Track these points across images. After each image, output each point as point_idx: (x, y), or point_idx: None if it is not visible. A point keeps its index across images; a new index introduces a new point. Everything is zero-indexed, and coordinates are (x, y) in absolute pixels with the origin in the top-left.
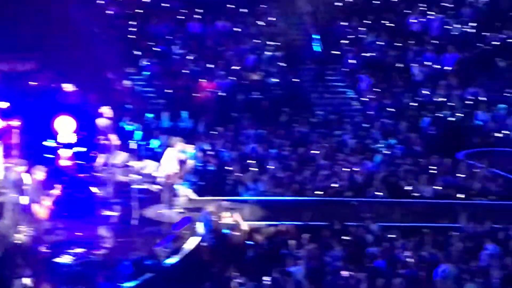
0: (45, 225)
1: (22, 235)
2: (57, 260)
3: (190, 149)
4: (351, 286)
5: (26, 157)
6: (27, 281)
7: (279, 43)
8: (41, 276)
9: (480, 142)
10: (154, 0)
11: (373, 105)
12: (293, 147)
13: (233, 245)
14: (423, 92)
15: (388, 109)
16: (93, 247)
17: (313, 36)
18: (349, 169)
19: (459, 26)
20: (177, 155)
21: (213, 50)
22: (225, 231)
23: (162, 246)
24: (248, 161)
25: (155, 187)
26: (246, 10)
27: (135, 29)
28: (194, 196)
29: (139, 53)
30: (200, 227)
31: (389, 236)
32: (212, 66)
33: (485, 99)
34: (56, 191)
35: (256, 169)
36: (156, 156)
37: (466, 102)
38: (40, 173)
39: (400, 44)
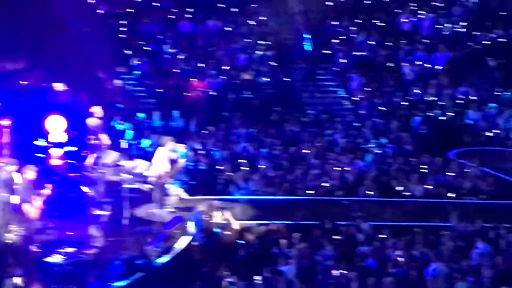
0: (36, 224)
1: (13, 234)
2: (48, 259)
3: (181, 148)
4: (342, 285)
5: (17, 156)
6: (18, 280)
7: (270, 43)
8: (32, 276)
9: (471, 141)
10: None
11: (364, 104)
12: (284, 147)
13: (224, 245)
14: (414, 91)
15: (379, 108)
16: (84, 246)
17: (304, 35)
18: (340, 169)
19: (449, 25)
20: (168, 154)
21: (204, 49)
22: (216, 230)
23: (153, 246)
24: (239, 160)
25: (146, 187)
26: (237, 10)
27: (126, 28)
28: (185, 195)
29: (130, 52)
30: (191, 227)
31: (380, 235)
32: (203, 65)
33: (475, 98)
34: (47, 190)
35: (247, 168)
36: (147, 156)
37: (457, 101)
38: (31, 173)
39: (391, 44)
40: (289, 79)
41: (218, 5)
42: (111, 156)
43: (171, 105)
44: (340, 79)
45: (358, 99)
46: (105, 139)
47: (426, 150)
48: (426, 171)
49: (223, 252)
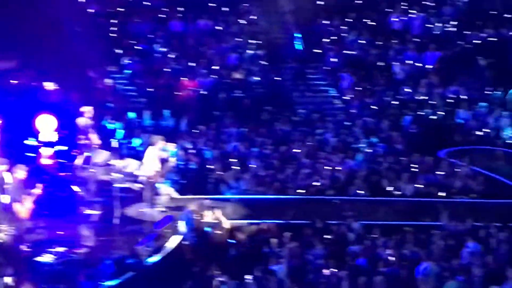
0: (27, 224)
1: (3, 234)
2: (39, 259)
3: (172, 147)
4: (333, 284)
5: (7, 155)
6: (8, 280)
7: (261, 42)
8: (22, 275)
9: (461, 141)
10: None
11: (354, 103)
12: (275, 146)
13: (215, 244)
14: (405, 90)
15: (369, 107)
16: (75, 246)
17: (295, 34)
18: (331, 168)
19: (440, 24)
20: (159, 153)
21: (195, 48)
22: (207, 229)
23: (144, 245)
24: (230, 159)
25: (136, 186)
26: (227, 9)
27: (117, 28)
28: (175, 194)
29: (121, 51)
30: (182, 226)
31: (370, 234)
32: (194, 64)
33: (466, 97)
34: (38, 190)
35: (238, 168)
36: (138, 155)
37: (448, 100)
38: (21, 172)
39: (382, 43)
40: (280, 78)
41: (209, 4)
42: (101, 156)
43: (162, 104)
44: (331, 78)
45: (348, 98)
46: (95, 138)
47: (417, 149)
48: (417, 170)
49: (214, 252)
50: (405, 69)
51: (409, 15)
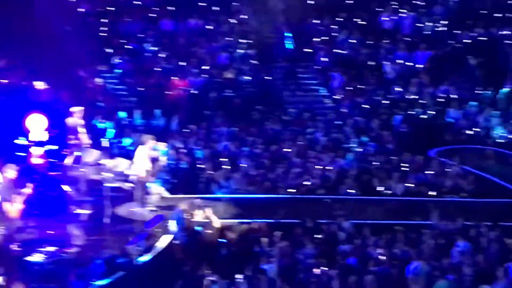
0: (17, 223)
1: None
2: (29, 258)
3: (163, 147)
4: (323, 284)
5: None
6: None
7: (252, 41)
8: (12, 275)
9: (451, 140)
10: None
11: (345, 103)
12: (265, 145)
13: (205, 243)
14: (395, 89)
15: (360, 106)
16: (65, 245)
17: (286, 34)
18: (321, 167)
19: (430, 24)
20: (149, 153)
21: (185, 47)
22: (197, 228)
23: (135, 244)
24: (220, 159)
25: (127, 185)
26: (218, 8)
27: (107, 27)
28: (166, 194)
29: (111, 50)
30: (172, 225)
31: (361, 233)
32: (185, 64)
33: (456, 96)
34: (28, 189)
35: (229, 167)
36: (128, 154)
37: (438, 99)
38: (11, 172)
39: (372, 42)
40: (270, 78)
41: (199, 3)
42: (92, 155)
43: (153, 103)
44: (321, 77)
45: (339, 97)
46: (85, 138)
47: (407, 149)
48: (407, 169)
49: (205, 251)
50: (396, 69)
51: (400, 15)
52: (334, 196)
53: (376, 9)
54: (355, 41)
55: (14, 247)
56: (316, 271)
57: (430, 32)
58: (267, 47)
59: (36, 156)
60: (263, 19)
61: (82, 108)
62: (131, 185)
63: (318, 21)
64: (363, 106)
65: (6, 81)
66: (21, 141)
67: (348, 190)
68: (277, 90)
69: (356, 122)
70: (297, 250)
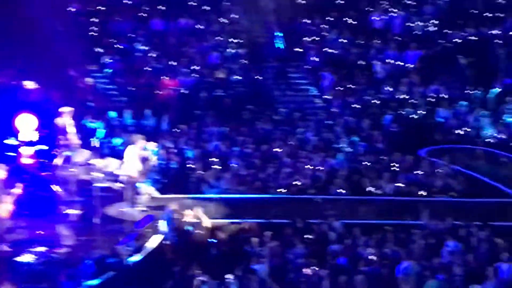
0: (7, 223)
1: None
2: (19, 258)
3: (153, 146)
4: (313, 283)
5: None
6: None
7: (242, 41)
8: (2, 275)
9: (442, 140)
10: None
11: (335, 102)
12: (256, 145)
13: (196, 243)
14: (386, 89)
15: (350, 106)
16: (55, 245)
17: (276, 33)
18: (312, 167)
19: (421, 23)
20: (140, 153)
21: (176, 47)
22: (188, 228)
23: (125, 245)
24: (211, 158)
25: (117, 185)
26: (209, 8)
27: (97, 26)
28: (156, 194)
29: (101, 50)
30: (162, 225)
31: (351, 233)
32: (175, 63)
33: (446, 96)
34: (18, 189)
35: (219, 167)
36: (118, 154)
37: (428, 99)
38: (1, 172)
39: (363, 42)
40: (261, 77)
41: (190, 3)
42: (82, 155)
43: (143, 103)
44: (312, 77)
45: (329, 97)
46: (75, 138)
47: (398, 148)
48: (397, 169)
49: (195, 251)
50: (386, 68)
51: (390, 14)
52: (325, 196)
53: (367, 8)
54: (345, 40)
55: (4, 247)
56: (307, 271)
57: (420, 32)
58: (258, 47)
59: (26, 156)
60: (254, 18)
61: (72, 108)
62: (121, 185)
63: (309, 21)
64: (353, 105)
65: None
66: (11, 141)
67: (338, 190)
68: (268, 90)
69: (346, 122)
70: (288, 250)
